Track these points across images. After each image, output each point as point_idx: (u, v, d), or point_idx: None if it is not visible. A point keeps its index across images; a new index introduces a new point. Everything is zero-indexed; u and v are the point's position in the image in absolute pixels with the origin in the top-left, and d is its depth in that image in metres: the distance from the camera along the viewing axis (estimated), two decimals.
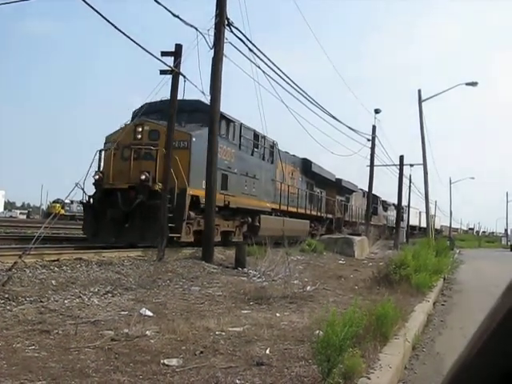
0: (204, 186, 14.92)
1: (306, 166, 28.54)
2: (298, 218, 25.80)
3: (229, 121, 18.48)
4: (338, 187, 34.95)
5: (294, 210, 25.51)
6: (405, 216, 57.36)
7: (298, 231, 24.57)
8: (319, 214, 30.74)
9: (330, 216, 32.74)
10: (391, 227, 53.43)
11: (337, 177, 34.45)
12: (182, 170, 15.01)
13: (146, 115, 16.11)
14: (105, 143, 16.74)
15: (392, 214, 56.45)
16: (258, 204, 20.89)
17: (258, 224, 20.76)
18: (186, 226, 15.56)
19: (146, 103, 16.20)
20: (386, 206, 54.85)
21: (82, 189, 14.68)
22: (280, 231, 19.59)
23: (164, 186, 14.22)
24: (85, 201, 15.76)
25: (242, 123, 19.63)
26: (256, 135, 21.10)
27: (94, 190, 15.82)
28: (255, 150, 21.18)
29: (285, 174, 24.52)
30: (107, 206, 15.11)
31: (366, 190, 42.02)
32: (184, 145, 15.81)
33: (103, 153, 16.39)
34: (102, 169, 16.03)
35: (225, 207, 17.52)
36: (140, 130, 15.94)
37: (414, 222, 59.84)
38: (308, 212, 27.91)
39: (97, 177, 15.63)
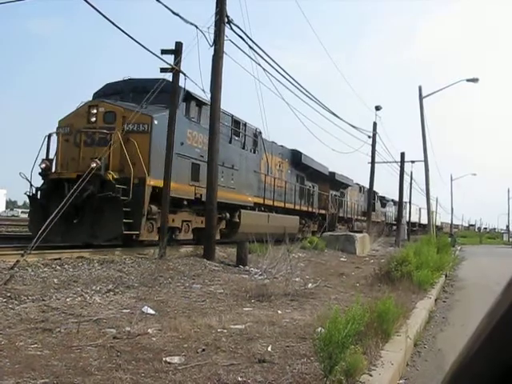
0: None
1: (295, 157, 26.49)
2: (286, 214, 24.03)
3: (200, 102, 16.32)
4: (331, 181, 33.12)
5: (281, 204, 23.62)
6: (405, 212, 56.98)
7: (285, 228, 21.35)
8: (310, 209, 28.69)
9: (322, 212, 30.97)
10: (390, 224, 52.80)
11: (330, 170, 32.71)
12: (140, 156, 13.30)
13: (106, 96, 14.91)
14: (57, 127, 14.69)
15: (391, 210, 55.56)
16: (238, 198, 18.91)
17: (237, 220, 18.88)
18: (149, 222, 13.98)
19: (106, 84, 15.38)
20: (384, 201, 52.98)
21: (27, 179, 13.56)
22: (264, 228, 18.40)
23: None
24: (30, 193, 14.05)
25: None
26: (236, 122, 19.10)
27: (42, 181, 14.23)
28: (234, 137, 19.05)
29: (271, 166, 22.68)
30: (55, 199, 12.76)
31: (363, 184, 41.52)
32: (144, 128, 13.90)
33: (56, 138, 14.43)
34: (52, 156, 14.35)
35: (196, 201, 15.89)
36: (94, 111, 14.08)
37: (413, 218, 58.28)
38: (297, 207, 25.94)
39: (43, 165, 13.95)
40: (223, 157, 16.90)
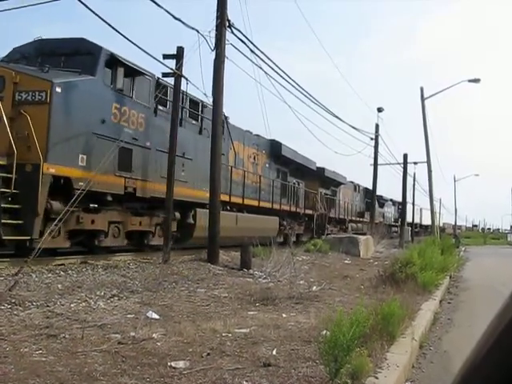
0: (82, 163, 11.47)
1: (274, 149, 23.30)
2: (262, 214, 20.95)
3: (133, 71, 13.26)
4: (320, 178, 30.45)
5: (255, 203, 20.47)
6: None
7: (260, 230, 18.97)
8: (294, 209, 25.62)
9: (309, 212, 27.92)
10: (389, 225, 50.43)
11: (319, 165, 29.77)
12: (34, 135, 10.32)
13: (11, 62, 12.12)
14: None
15: (389, 210, 53.87)
16: (192, 193, 15.81)
17: (192, 221, 16.07)
18: (51, 224, 10.50)
19: (14, 48, 12.86)
20: (381, 201, 50.03)
21: None
22: (231, 231, 16.60)
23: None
24: None
25: (159, 79, 14.37)
26: (192, 101, 16.20)
27: None
28: (189, 120, 16.19)
29: (242, 158, 19.65)
30: None
31: (358, 183, 40.64)
32: (41, 98, 10.74)
33: None
34: None
35: (128, 196, 13.03)
36: None
37: (415, 219, 55.60)
38: (277, 206, 22.76)
39: None
40: (168, 141, 14.15)
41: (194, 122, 16.45)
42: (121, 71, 12.54)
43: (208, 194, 15.49)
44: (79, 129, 11.40)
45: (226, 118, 17.04)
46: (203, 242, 14.65)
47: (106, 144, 12.08)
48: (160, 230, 14.71)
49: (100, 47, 12.18)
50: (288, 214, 24.78)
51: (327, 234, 28.82)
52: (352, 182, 39.46)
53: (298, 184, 27.28)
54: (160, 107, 14.60)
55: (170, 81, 14.27)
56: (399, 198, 53.77)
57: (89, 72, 11.85)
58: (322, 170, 30.06)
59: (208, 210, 15.30)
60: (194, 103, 16.25)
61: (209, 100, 14.73)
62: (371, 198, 42.34)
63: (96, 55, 12.05)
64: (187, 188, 15.48)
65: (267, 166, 22.71)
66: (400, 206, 54.57)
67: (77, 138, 11.37)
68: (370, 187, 37.32)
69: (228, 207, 18.09)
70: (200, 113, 16.68)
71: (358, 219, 39.55)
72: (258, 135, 21.85)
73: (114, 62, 12.45)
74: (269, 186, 22.48)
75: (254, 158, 21.27)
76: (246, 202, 19.53)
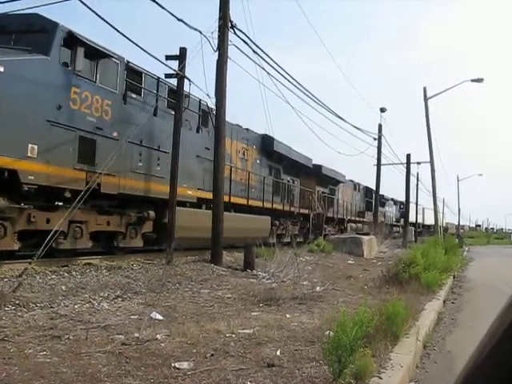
0: (32, 154, 10.24)
1: (266, 144, 21.78)
2: (251, 214, 19.49)
3: (96, 52, 11.91)
4: (318, 176, 28.98)
5: (243, 201, 18.96)
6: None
7: (249, 231, 17.81)
8: (288, 208, 24.06)
9: (304, 212, 26.48)
10: (390, 225, 49.60)
11: (317, 163, 28.39)
12: None
13: None
14: None
15: (390, 209, 52.82)
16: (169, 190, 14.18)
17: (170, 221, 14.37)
18: None
19: None
20: (382, 200, 47.83)
21: None
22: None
23: None
24: None
25: (128, 62, 13.06)
26: (172, 91, 14.80)
27: None
28: (167, 110, 14.76)
29: (228, 153, 17.75)
30: None
31: (358, 181, 39.73)
32: None
33: None
34: None
35: (91, 192, 10.96)
36: None
37: (415, 218, 53.51)
38: (268, 205, 21.17)
39: None
40: (143, 133, 13.32)
41: (171, 111, 14.66)
42: (81, 51, 11.19)
43: (190, 192, 15.36)
44: (28, 115, 10.09)
45: (211, 109, 16.19)
46: (184, 244, 13.66)
47: (62, 133, 10.83)
48: (132, 230, 13.63)
49: (56, 24, 10.90)
50: (281, 213, 23.43)
51: (324, 235, 28.25)
52: (352, 181, 38.54)
53: (293, 182, 25.97)
54: (133, 95, 13.32)
55: (173, 82, 14.23)
56: (400, 197, 53.46)
57: (42, 51, 10.62)
58: (319, 167, 28.77)
59: (189, 209, 15.09)
60: (173, 92, 14.70)
61: (212, 101, 14.65)
62: (372, 197, 41.69)
63: (51, 33, 10.84)
64: (164, 184, 14.04)
65: (258, 162, 21.29)
66: (402, 206, 54.34)
67: (25, 126, 10.03)
68: (372, 186, 37.25)
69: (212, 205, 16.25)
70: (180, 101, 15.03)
71: (358, 219, 38.63)
72: (247, 129, 20.51)
73: (72, 40, 11.15)
74: (260, 184, 21.10)
75: (244, 154, 19.87)
76: (233, 200, 17.98)
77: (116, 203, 12.98)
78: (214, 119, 15.91)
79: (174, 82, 14.43)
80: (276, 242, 19.04)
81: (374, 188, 41.82)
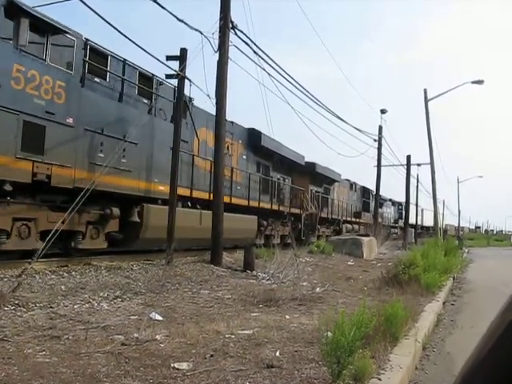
0: None
1: (253, 139, 20.47)
2: (237, 213, 18.06)
3: (47, 26, 10.59)
4: (311, 175, 27.74)
5: (226, 199, 16.75)
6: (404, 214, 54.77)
7: (233, 231, 16.53)
8: (277, 207, 22.73)
9: (296, 211, 25.06)
10: (388, 226, 48.25)
11: (308, 160, 27.06)
12: None
13: None
14: None
15: (388, 210, 51.87)
16: (137, 186, 13.03)
17: (138, 219, 13.19)
18: None
19: None
20: (380, 201, 45.26)
21: None
22: (192, 232, 14.68)
23: None
24: None
25: (87, 40, 11.78)
26: (142, 75, 13.58)
27: None
28: (135, 97, 13.47)
29: (210, 146, 16.49)
30: None
31: (354, 181, 38.73)
32: None
33: None
34: None
35: (39, 184, 10.32)
36: None
37: (415, 220, 52.32)
38: (255, 204, 19.84)
39: None
40: (104, 121, 11.84)
41: (143, 99, 13.75)
42: (25, 24, 9.74)
43: (162, 187, 13.78)
44: None
45: (190, 99, 15.39)
46: (154, 245, 12.89)
47: (1, 116, 9.54)
48: (94, 230, 12.21)
49: None
50: (270, 213, 22.04)
51: (318, 236, 27.76)
52: (348, 180, 37.50)
53: (284, 180, 24.69)
54: (95, 78, 12.16)
55: (174, 82, 14.22)
56: (399, 198, 53.20)
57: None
58: (312, 165, 27.50)
59: (160, 207, 13.67)
60: (145, 78, 13.61)
61: (212, 102, 14.57)
62: (369, 197, 41.46)
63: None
64: (130, 179, 12.72)
65: (244, 157, 19.77)
66: (400, 207, 54.07)
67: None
68: (372, 187, 37.17)
69: (189, 203, 15.61)
70: (153, 90, 14.03)
71: (354, 220, 37.55)
72: (232, 122, 18.84)
73: (15, 10, 9.79)
74: (246, 181, 19.65)
75: (228, 148, 18.14)
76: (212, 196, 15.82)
77: (69, 198, 10.83)
78: (192, 110, 15.52)
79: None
80: (267, 243, 18.59)
81: (372, 188, 41.31)
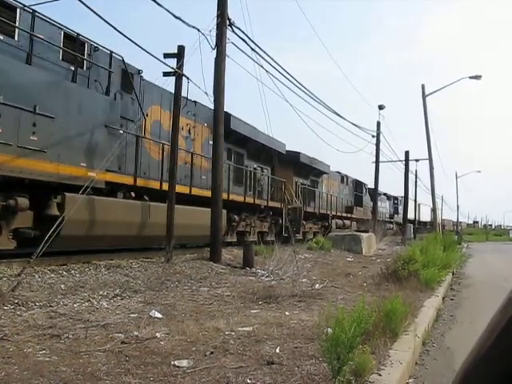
0: None
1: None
2: (203, 206, 15.11)
3: None
4: (296, 165, 25.55)
5: (184, 189, 15.12)
6: (400, 208, 52.18)
7: (194, 228, 14.80)
8: (252, 200, 20.06)
9: (276, 205, 22.51)
10: (383, 221, 45.55)
11: (291, 149, 24.75)
12: None
13: None
14: None
15: (383, 205, 50.03)
16: (55, 170, 10.50)
17: (57, 213, 10.43)
18: None
19: None
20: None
21: None
22: (137, 228, 12.86)
23: None
24: None
25: None
26: (67, 36, 11.21)
27: None
28: (55, 61, 10.96)
29: (165, 128, 14.67)
30: None
31: (346, 173, 37.02)
32: None
33: None
34: None
35: None
36: None
37: (412, 215, 49.35)
38: (223, 196, 15.57)
39: None
40: (5, 87, 9.36)
41: (69, 66, 11.31)
42: None
43: (92, 173, 11.15)
44: None
45: (138, 72, 13.56)
46: (80, 245, 11.13)
47: None
48: None
49: None
50: (244, 206, 19.49)
51: (304, 233, 26.04)
52: (339, 173, 35.50)
53: (262, 170, 22.18)
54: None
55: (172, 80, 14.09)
56: (395, 192, 52.91)
57: None
58: (296, 155, 25.20)
59: (90, 197, 11.08)
60: (72, 40, 11.33)
61: (210, 99, 14.41)
62: (362, 191, 39.34)
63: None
64: (45, 161, 10.25)
65: (210, 143, 15.93)
66: (396, 201, 53.80)
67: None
68: (371, 183, 37.09)
69: (132, 194, 13.06)
70: (84, 55, 11.74)
71: (345, 215, 35.32)
72: (195, 102, 16.37)
73: None
74: (207, 168, 16.63)
75: (189, 132, 16.13)
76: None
77: None
78: (141, 84, 13.71)
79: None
80: (238, 241, 17.15)
81: (367, 183, 41.07)
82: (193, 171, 15.94)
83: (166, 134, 14.54)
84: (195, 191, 15.86)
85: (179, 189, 14.25)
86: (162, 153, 14.26)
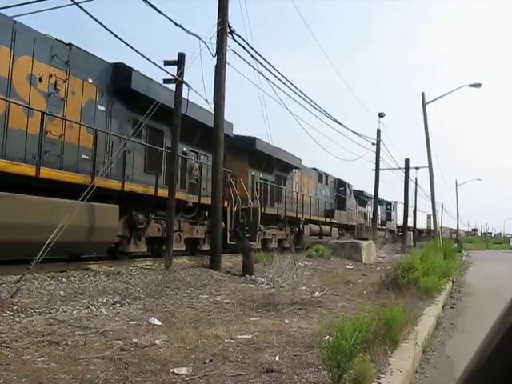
0: None
1: (118, 81, 12.93)
2: (95, 201, 10.81)
3: None
4: (251, 155, 20.69)
5: (73, 178, 11.01)
6: (393, 214, 52.06)
7: (67, 233, 9.21)
8: (165, 193, 13.53)
9: (205, 203, 15.72)
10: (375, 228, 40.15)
11: (244, 134, 20.04)
12: None
13: None
14: None
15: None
16: None
17: None
18: None
19: None
20: (363, 199, 41.39)
21: None
22: None
23: None
24: None
25: None
26: None
27: None
28: None
29: (5, 77, 9.85)
30: None
31: (324, 171, 32.47)
32: None
33: None
34: None
35: None
36: None
37: (408, 222, 42.70)
38: (115, 186, 12.19)
39: None
40: None
41: None
42: None
43: None
44: None
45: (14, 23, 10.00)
46: None
47: None
48: None
49: None
50: (157, 201, 13.85)
51: (263, 241, 21.39)
52: (315, 169, 30.20)
53: (198, 156, 16.85)
54: None
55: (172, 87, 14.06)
56: (389, 197, 52.48)
57: None
58: (251, 141, 20.17)
59: None
60: None
61: (211, 106, 14.33)
62: (345, 192, 34.94)
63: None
64: None
65: (99, 108, 12.29)
66: (388, 206, 53.28)
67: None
68: (370, 191, 37.03)
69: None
70: None
71: (324, 220, 30.06)
72: (71, 45, 11.58)
73: None
74: (102, 147, 12.26)
75: (56, 87, 11.04)
76: (45, 174, 10.22)
77: None
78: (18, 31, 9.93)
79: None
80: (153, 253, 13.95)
81: (357, 188, 39.07)
82: (63, 148, 11.15)
83: (13, 89, 10.02)
84: (69, 177, 10.98)
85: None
86: (6, 115, 9.79)
